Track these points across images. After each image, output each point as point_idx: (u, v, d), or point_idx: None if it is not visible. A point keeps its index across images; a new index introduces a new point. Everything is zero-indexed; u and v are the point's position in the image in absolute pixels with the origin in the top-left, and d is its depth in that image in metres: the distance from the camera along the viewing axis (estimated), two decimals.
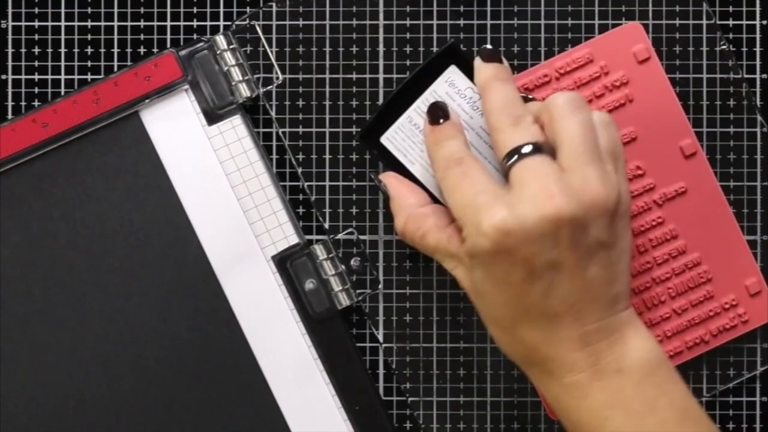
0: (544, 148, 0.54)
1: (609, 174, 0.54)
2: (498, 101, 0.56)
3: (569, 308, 0.54)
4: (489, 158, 0.59)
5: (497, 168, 0.58)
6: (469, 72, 0.59)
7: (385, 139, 0.60)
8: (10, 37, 0.65)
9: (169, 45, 0.65)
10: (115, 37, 0.65)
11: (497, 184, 0.55)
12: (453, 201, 0.55)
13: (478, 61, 0.58)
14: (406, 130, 0.60)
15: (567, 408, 0.55)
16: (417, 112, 0.59)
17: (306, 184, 0.65)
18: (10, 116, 0.65)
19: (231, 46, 0.64)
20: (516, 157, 0.54)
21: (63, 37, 0.65)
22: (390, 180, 0.60)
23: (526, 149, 0.54)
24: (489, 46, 0.58)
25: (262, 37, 0.64)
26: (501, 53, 0.58)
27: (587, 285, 0.54)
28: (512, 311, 0.54)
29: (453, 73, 0.59)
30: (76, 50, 0.65)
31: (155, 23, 0.65)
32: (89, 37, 0.65)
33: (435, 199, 0.60)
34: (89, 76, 0.65)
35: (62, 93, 0.65)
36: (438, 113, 0.58)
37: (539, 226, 0.52)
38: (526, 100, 0.58)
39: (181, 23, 0.65)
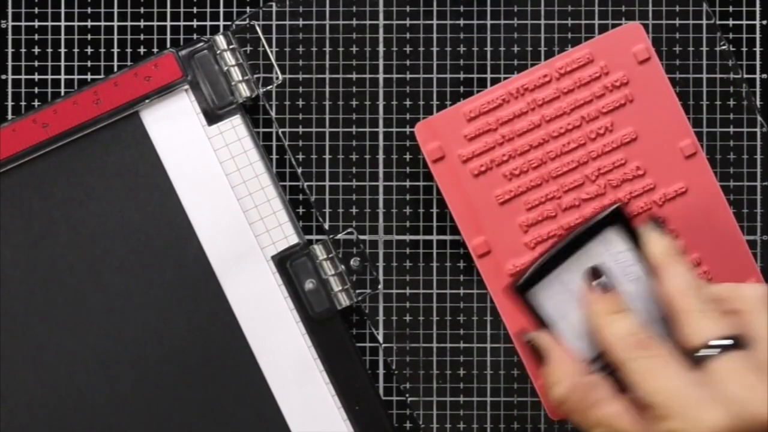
0: (743, 343, 0.54)
1: None
2: (684, 281, 0.56)
3: None
4: None
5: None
6: (627, 235, 0.58)
7: (533, 294, 0.58)
8: (10, 37, 0.65)
9: (169, 45, 0.65)
10: (115, 37, 0.66)
11: (693, 372, 0.54)
12: (652, 387, 0.53)
13: (651, 231, 0.58)
14: (554, 288, 0.58)
15: None
16: (568, 270, 0.58)
17: (306, 184, 0.65)
18: (10, 116, 0.65)
19: (231, 46, 0.64)
20: (716, 350, 0.53)
21: (63, 37, 0.65)
22: (548, 341, 0.58)
23: (725, 342, 0.53)
24: (658, 217, 0.58)
25: (261, 37, 0.64)
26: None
27: None
28: None
29: (610, 234, 0.58)
30: (76, 50, 0.65)
31: (155, 23, 0.65)
32: (89, 37, 0.65)
33: None
34: (89, 76, 0.65)
35: (62, 93, 0.65)
36: (601, 280, 0.57)
37: (753, 429, 0.52)
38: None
39: (181, 23, 0.65)
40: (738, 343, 0.53)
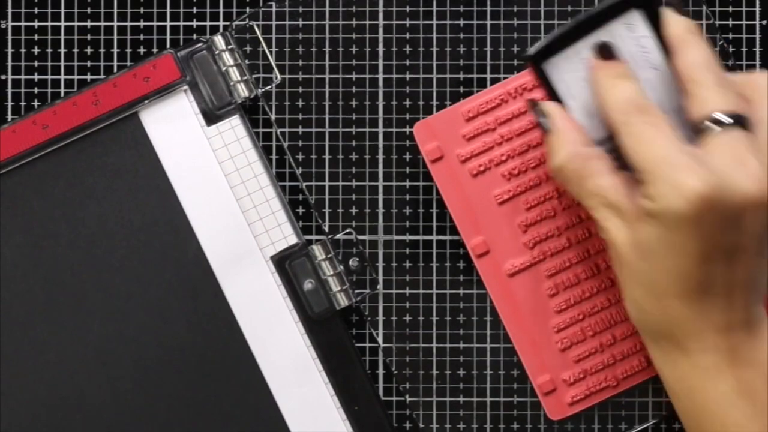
0: (747, 125, 0.54)
1: None
2: (702, 56, 0.55)
3: (728, 292, 0.53)
4: None
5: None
6: (653, 22, 0.57)
7: (549, 65, 0.58)
8: (9, 37, 0.65)
9: (168, 45, 0.65)
10: (115, 37, 0.66)
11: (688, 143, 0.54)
12: (641, 151, 0.53)
13: (673, 12, 0.57)
14: (572, 63, 0.58)
15: (692, 389, 0.55)
16: (588, 46, 0.57)
17: (305, 184, 0.65)
18: (9, 116, 0.65)
19: (229, 47, 0.64)
20: (720, 123, 0.53)
21: (63, 37, 0.66)
22: (555, 110, 0.57)
23: (731, 119, 0.53)
24: (680, 2, 0.58)
25: (260, 37, 0.64)
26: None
27: (751, 274, 0.54)
28: (673, 281, 0.53)
29: (635, 17, 0.57)
30: (75, 50, 0.66)
31: (155, 23, 0.65)
32: (89, 37, 0.66)
33: None
34: (89, 77, 0.65)
35: (62, 93, 0.65)
36: (608, 51, 0.57)
37: (740, 205, 0.52)
38: None
39: (181, 23, 0.65)
40: (741, 122, 0.53)
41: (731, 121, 0.53)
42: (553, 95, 0.58)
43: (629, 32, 0.57)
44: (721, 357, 0.54)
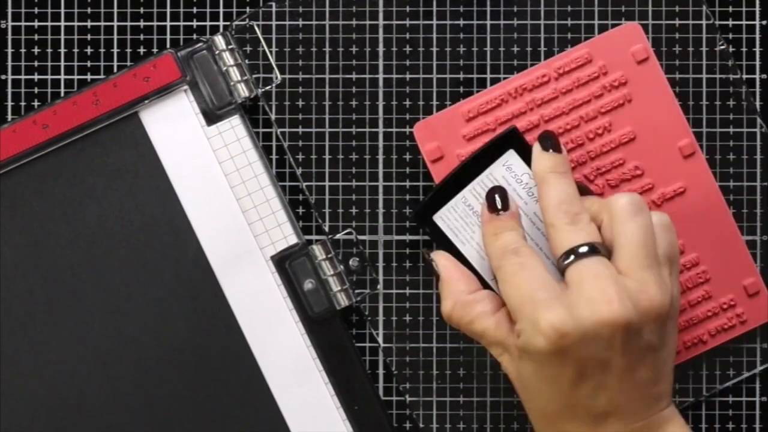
0: (601, 250, 0.55)
1: (664, 278, 0.55)
2: (555, 197, 0.56)
3: (615, 409, 0.54)
4: (542, 246, 0.59)
5: (552, 261, 0.58)
6: (527, 158, 0.59)
7: (438, 218, 0.60)
8: (9, 37, 0.65)
9: (168, 45, 0.65)
10: (115, 37, 0.66)
11: (554, 280, 0.55)
12: (509, 292, 0.55)
13: (537, 150, 0.58)
14: (459, 210, 0.60)
15: None
16: (472, 193, 0.60)
17: (305, 184, 0.65)
18: (10, 116, 0.65)
19: (230, 47, 0.64)
20: (573, 257, 0.54)
21: (63, 37, 0.66)
22: (441, 261, 0.60)
23: (584, 249, 0.54)
24: (548, 132, 0.58)
25: (260, 37, 0.64)
26: (560, 142, 0.58)
27: (634, 386, 0.54)
28: (558, 408, 0.55)
29: (511, 157, 0.59)
30: (75, 50, 0.66)
31: (155, 23, 0.65)
32: (89, 37, 0.66)
33: (484, 282, 0.60)
34: (89, 77, 0.65)
35: (62, 93, 0.65)
36: (497, 201, 0.58)
37: (596, 330, 0.52)
38: (582, 192, 0.58)
39: (181, 23, 0.65)
40: (596, 250, 0.54)
41: (584, 250, 0.54)
42: (445, 244, 0.60)
43: (509, 172, 0.59)
44: None
